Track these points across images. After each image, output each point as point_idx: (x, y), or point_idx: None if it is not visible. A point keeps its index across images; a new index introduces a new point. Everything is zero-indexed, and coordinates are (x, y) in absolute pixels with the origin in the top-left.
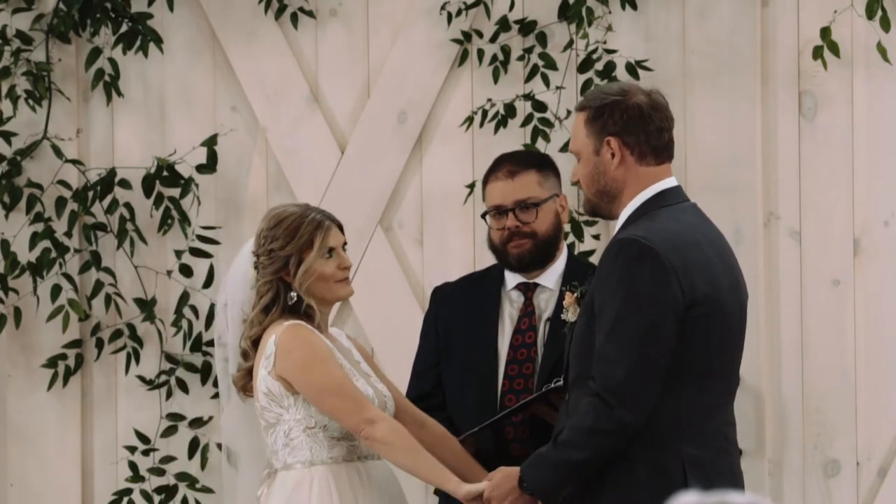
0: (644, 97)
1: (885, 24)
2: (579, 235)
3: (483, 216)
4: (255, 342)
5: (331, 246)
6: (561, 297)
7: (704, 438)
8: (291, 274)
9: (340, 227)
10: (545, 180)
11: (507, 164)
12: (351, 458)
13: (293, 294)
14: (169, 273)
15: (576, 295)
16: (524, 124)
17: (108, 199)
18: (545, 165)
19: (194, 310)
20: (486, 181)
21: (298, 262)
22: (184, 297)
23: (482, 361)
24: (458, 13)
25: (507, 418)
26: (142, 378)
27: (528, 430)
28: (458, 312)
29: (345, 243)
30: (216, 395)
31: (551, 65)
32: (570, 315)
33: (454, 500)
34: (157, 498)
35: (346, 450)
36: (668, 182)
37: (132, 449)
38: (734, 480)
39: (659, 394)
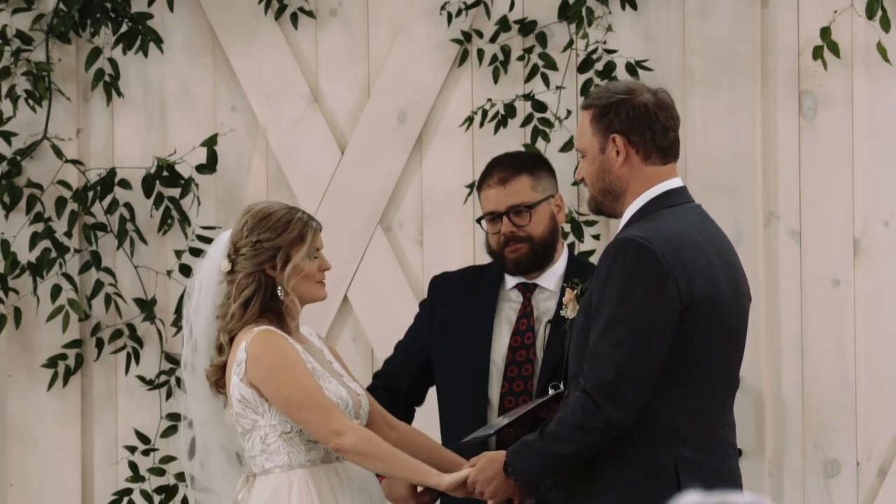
0: (650, 96)
1: (885, 24)
2: (579, 235)
3: (478, 221)
4: (232, 338)
5: (317, 246)
6: (562, 298)
7: (698, 440)
8: (278, 268)
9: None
10: (538, 183)
11: (498, 172)
12: (329, 459)
13: (280, 289)
14: (169, 273)
15: (575, 292)
16: (524, 124)
17: (108, 199)
18: (538, 167)
19: None
20: (479, 188)
21: (286, 257)
22: (184, 297)
23: (476, 361)
24: (458, 13)
25: (510, 426)
26: (142, 378)
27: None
28: (455, 305)
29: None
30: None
31: (551, 65)
32: (570, 312)
33: None
34: (157, 498)
35: (324, 451)
36: (674, 182)
37: (132, 449)
38: (731, 482)
39: (649, 394)
